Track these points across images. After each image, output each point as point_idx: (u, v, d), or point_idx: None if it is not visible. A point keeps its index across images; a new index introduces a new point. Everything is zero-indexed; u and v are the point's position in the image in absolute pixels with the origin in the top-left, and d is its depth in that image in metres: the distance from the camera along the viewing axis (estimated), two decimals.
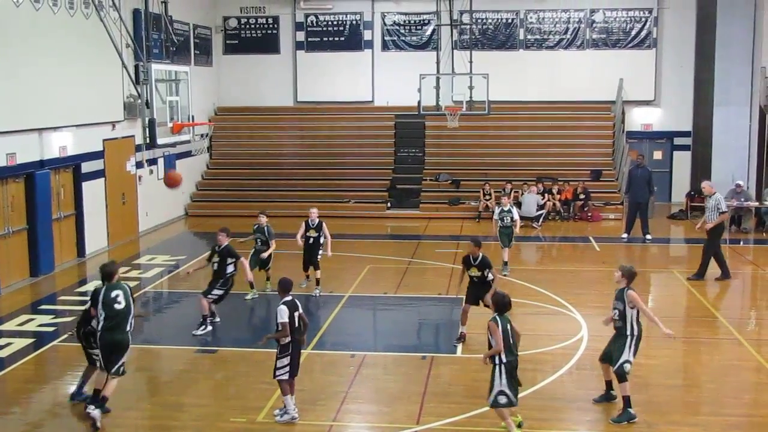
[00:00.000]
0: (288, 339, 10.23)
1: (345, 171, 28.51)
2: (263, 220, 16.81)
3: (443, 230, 24.24)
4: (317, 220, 17.06)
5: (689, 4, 28.29)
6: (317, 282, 16.92)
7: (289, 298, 10.42)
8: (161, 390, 11.85)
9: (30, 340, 13.81)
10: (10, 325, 14.75)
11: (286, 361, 10.26)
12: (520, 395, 10.31)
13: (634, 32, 28.84)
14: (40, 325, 14.74)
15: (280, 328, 10.22)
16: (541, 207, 24.84)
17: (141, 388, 12.28)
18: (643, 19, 28.76)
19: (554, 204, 25.67)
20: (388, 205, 27.06)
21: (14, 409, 11.09)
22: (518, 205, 24.88)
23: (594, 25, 29.05)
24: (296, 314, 10.32)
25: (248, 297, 16.38)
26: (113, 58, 19.18)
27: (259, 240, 16.88)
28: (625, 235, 22.52)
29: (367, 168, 28.62)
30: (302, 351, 10.80)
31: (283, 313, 10.22)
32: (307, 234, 17.05)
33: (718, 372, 12.57)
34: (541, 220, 24.66)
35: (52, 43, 18.58)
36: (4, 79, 16.84)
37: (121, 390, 11.93)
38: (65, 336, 14.17)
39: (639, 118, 29.20)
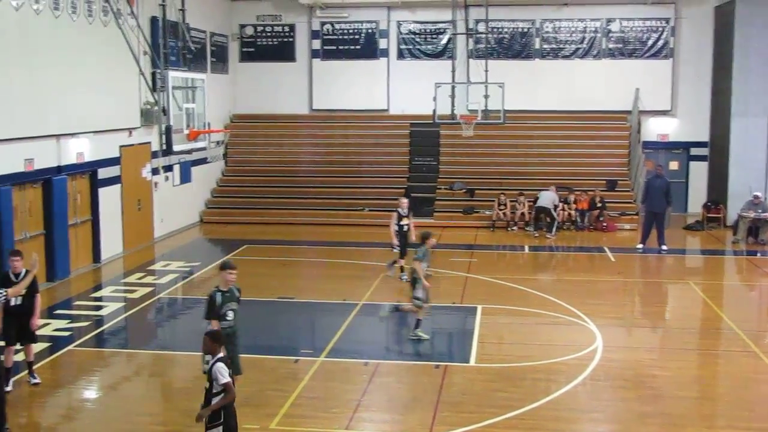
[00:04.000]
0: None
1: (360, 179, 28.51)
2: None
3: (457, 239, 24.21)
4: (407, 210, 18.84)
5: (707, 14, 28.21)
6: (402, 269, 18.58)
7: (222, 354, 8.66)
8: (175, 396, 11.87)
9: (46, 345, 13.84)
10: None
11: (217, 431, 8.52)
12: (532, 405, 10.24)
13: (650, 42, 28.76)
14: (56, 330, 14.80)
15: (219, 389, 8.41)
16: (555, 206, 24.79)
17: (155, 394, 12.33)
18: (660, 29, 28.68)
19: (569, 214, 25.61)
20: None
21: (30, 413, 11.14)
22: (534, 201, 24.94)
23: (610, 34, 28.99)
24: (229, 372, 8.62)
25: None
26: (131, 66, 19.32)
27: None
28: (640, 246, 22.42)
29: (382, 176, 28.63)
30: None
31: (224, 372, 8.42)
32: (401, 223, 18.57)
33: (734, 385, 12.49)
34: (554, 230, 24.58)
35: (71, 50, 18.71)
36: (24, 85, 16.98)
37: (134, 396, 12.02)
38: (81, 340, 14.27)
39: (655, 128, 29.08)
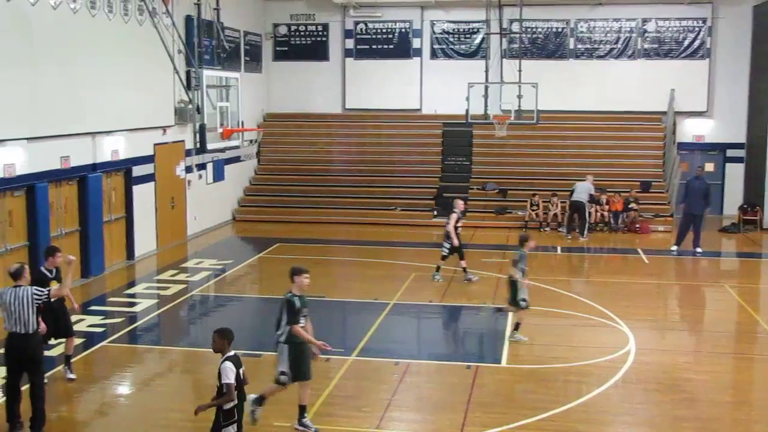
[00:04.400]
0: (233, 403, 8.60)
1: (392, 178, 28.51)
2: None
3: (489, 240, 24.11)
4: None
5: (745, 13, 27.83)
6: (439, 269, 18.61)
7: (232, 353, 8.69)
8: (207, 393, 11.90)
9: (80, 340, 13.94)
10: None
11: (231, 430, 8.62)
12: (563, 407, 10.18)
13: (687, 42, 28.45)
14: (90, 326, 14.95)
15: (224, 391, 8.50)
16: (591, 198, 24.50)
17: (187, 391, 12.41)
18: (697, 29, 28.36)
19: (602, 215, 25.40)
20: (435, 213, 27.00)
21: (63, 408, 11.25)
22: (570, 194, 24.62)
23: (646, 34, 28.72)
24: (241, 371, 8.67)
25: None
26: (165, 64, 19.50)
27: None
28: (674, 248, 22.16)
29: (414, 176, 28.62)
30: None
31: (229, 373, 8.48)
32: (457, 225, 18.16)
33: None
34: (585, 231, 24.33)
35: (107, 48, 18.88)
36: (60, 83, 17.17)
37: (167, 392, 12.10)
38: (114, 337, 14.40)
39: (691, 129, 28.74)
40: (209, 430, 8.70)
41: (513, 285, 13.98)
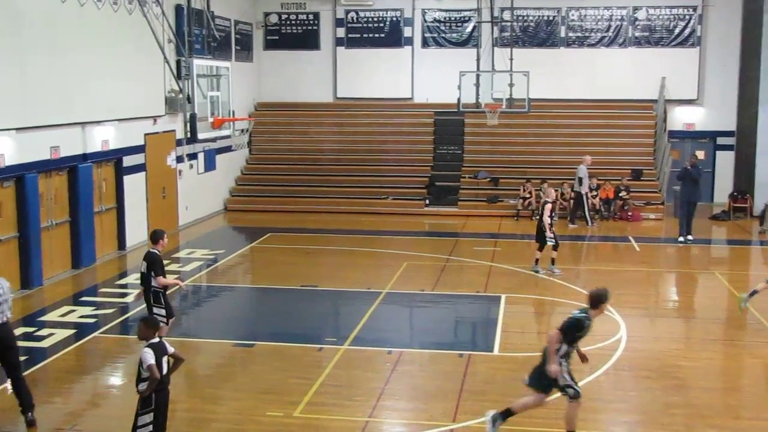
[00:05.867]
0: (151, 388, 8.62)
1: (383, 167, 28.47)
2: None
3: (481, 228, 24.13)
4: None
5: (735, 1, 27.82)
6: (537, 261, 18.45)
7: (156, 340, 8.72)
8: (199, 383, 11.94)
9: (71, 331, 13.98)
10: (52, 316, 14.94)
11: (147, 419, 8.60)
12: (556, 395, 10.20)
13: (677, 30, 28.45)
14: (82, 317, 14.92)
15: (147, 374, 8.51)
16: (581, 182, 24.32)
17: (179, 381, 12.37)
18: (687, 17, 28.37)
19: (593, 203, 25.42)
20: (427, 202, 27.00)
21: (56, 399, 11.24)
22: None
23: (637, 22, 28.71)
24: (164, 359, 8.67)
25: None
26: (155, 54, 19.41)
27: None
28: (682, 238, 21.87)
29: (406, 165, 28.59)
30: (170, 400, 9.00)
31: (148, 357, 8.47)
32: (551, 214, 17.95)
33: (760, 376, 12.39)
34: (589, 220, 24.26)
35: (96, 38, 18.78)
36: (50, 73, 17.07)
37: None
38: (106, 327, 14.37)
39: (681, 117, 28.78)
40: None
41: None
